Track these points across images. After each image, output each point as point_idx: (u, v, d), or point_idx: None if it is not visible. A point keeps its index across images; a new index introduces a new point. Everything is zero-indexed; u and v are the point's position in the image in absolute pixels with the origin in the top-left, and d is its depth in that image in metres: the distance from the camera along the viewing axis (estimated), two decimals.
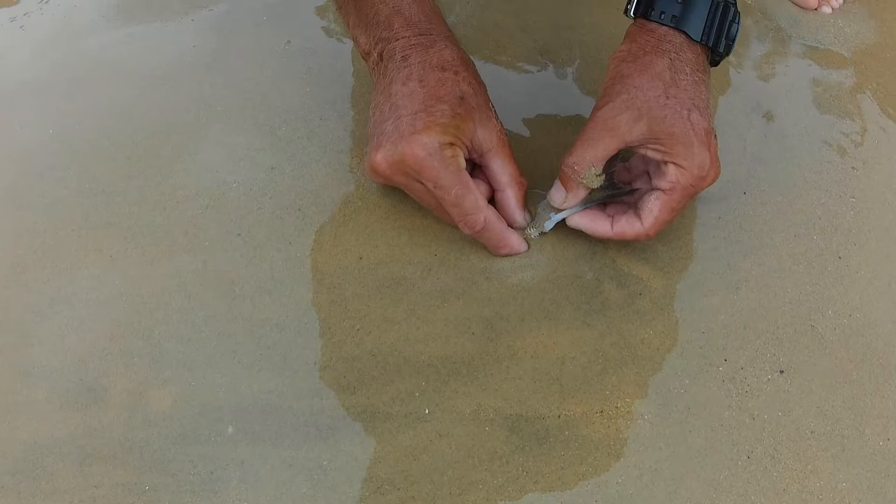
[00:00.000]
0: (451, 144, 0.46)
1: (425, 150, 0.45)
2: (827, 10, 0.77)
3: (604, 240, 0.52)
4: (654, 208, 0.48)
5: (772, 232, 0.55)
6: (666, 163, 0.47)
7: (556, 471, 0.45)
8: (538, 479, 0.45)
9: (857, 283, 0.54)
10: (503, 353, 0.48)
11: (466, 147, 0.48)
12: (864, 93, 0.67)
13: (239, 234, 0.54)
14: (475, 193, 0.47)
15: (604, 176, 0.49)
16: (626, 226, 0.49)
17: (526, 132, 0.60)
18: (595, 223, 0.50)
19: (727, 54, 0.51)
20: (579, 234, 0.52)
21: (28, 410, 0.48)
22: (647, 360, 0.49)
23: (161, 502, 0.45)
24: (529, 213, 0.52)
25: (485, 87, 0.50)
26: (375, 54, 0.50)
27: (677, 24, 0.48)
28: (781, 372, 0.50)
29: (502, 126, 0.50)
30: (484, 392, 0.47)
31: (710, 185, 0.48)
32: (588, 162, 0.48)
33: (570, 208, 0.51)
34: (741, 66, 0.67)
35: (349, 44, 0.66)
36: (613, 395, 0.48)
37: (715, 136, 0.48)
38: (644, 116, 0.46)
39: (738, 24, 0.50)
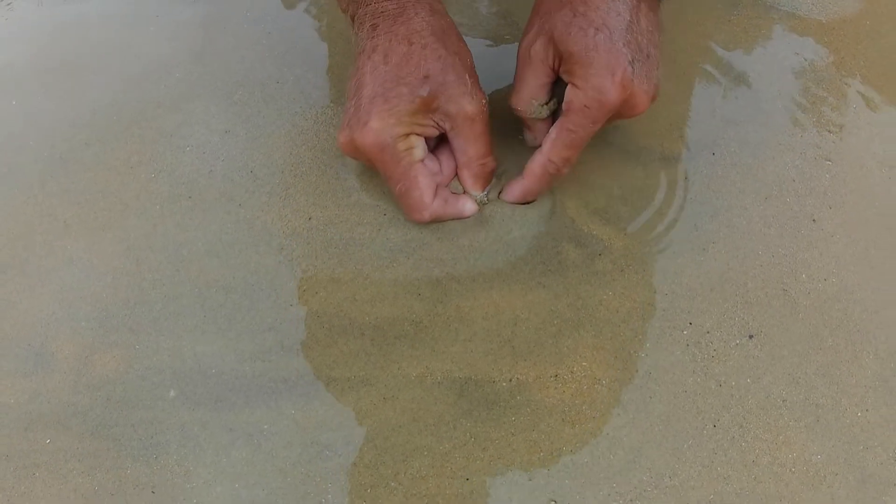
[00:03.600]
0: (406, 136, 0.45)
1: (377, 142, 0.44)
2: None
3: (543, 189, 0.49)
4: (552, 132, 0.46)
5: (741, 193, 0.53)
6: (566, 83, 0.45)
7: (506, 437, 0.43)
8: (487, 445, 0.43)
9: (832, 248, 0.52)
10: (452, 314, 0.46)
11: (432, 126, 0.46)
12: (843, 59, 0.64)
13: (190, 198, 0.53)
14: (420, 190, 0.46)
15: (554, 101, 0.47)
16: (534, 158, 0.47)
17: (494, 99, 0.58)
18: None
19: None
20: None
21: None
22: (606, 323, 0.47)
23: (102, 467, 0.44)
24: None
25: (463, 56, 0.46)
26: (349, 16, 0.48)
27: None
28: (751, 337, 0.48)
29: (480, 98, 0.46)
30: (432, 355, 0.45)
31: (627, 113, 0.45)
32: (527, 98, 0.46)
33: None
34: (717, 30, 0.65)
35: (308, 7, 0.64)
36: (569, 359, 0.46)
37: (637, 58, 0.44)
38: (551, 40, 0.44)
39: None
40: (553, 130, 0.46)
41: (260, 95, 0.57)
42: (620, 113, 0.45)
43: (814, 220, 0.53)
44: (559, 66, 0.45)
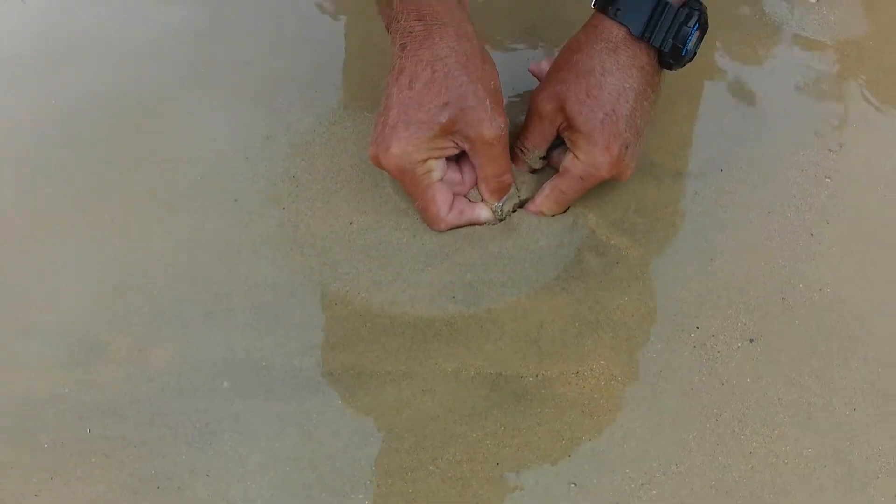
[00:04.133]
0: (425, 160, 0.49)
1: (398, 165, 0.49)
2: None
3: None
4: (546, 187, 0.53)
5: (747, 208, 0.57)
6: (568, 150, 0.51)
7: (533, 427, 0.48)
8: (515, 434, 0.48)
9: (828, 260, 0.57)
10: (484, 315, 0.51)
11: (451, 147, 0.50)
12: (846, 79, 0.69)
13: (235, 200, 0.56)
14: (437, 206, 0.52)
15: (546, 159, 0.53)
16: (528, 206, 0.55)
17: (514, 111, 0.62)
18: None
19: (679, 59, 0.51)
20: None
21: (28, 368, 0.51)
22: (622, 325, 0.51)
23: (158, 454, 0.48)
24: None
25: (486, 80, 0.49)
26: (385, 25, 0.52)
27: (621, 18, 0.49)
28: (751, 341, 0.53)
29: (500, 122, 0.49)
30: (466, 352, 0.50)
31: (614, 178, 0.52)
32: (531, 146, 0.52)
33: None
34: (727, 50, 0.69)
35: (347, 19, 0.68)
36: (589, 358, 0.50)
37: (631, 141, 0.51)
38: (564, 109, 0.50)
39: (694, 29, 0.50)
40: (546, 187, 0.53)
41: (299, 103, 0.61)
42: (596, 179, 0.52)
43: (812, 234, 0.57)
44: (564, 130, 0.51)
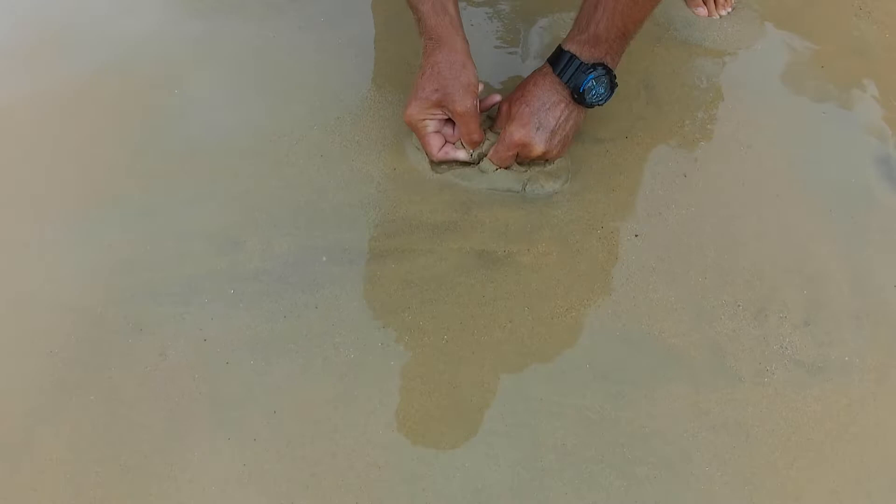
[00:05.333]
0: (423, 119, 0.84)
1: (409, 121, 0.85)
2: (715, 16, 1.12)
3: None
4: (494, 147, 0.87)
5: (642, 161, 0.92)
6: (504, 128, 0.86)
7: (502, 277, 0.82)
8: (492, 280, 0.82)
9: (694, 190, 0.91)
10: (474, 219, 0.86)
11: (441, 115, 0.84)
12: (734, 76, 1.02)
13: (321, 155, 0.92)
14: (430, 146, 0.86)
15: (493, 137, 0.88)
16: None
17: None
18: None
19: (581, 97, 0.82)
20: None
21: (191, 257, 0.85)
22: (556, 226, 0.86)
23: (283, 299, 0.82)
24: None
25: (464, 78, 0.80)
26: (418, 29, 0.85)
27: (551, 62, 0.84)
28: (636, 235, 0.87)
29: (469, 101, 0.81)
30: (463, 238, 0.85)
31: (527, 153, 0.85)
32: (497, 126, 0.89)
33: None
34: (643, 59, 1.03)
35: (388, 43, 1.03)
36: (536, 242, 0.85)
37: (545, 129, 0.83)
38: (510, 103, 0.86)
39: (589, 78, 0.80)
40: (493, 147, 0.87)
41: (357, 94, 0.96)
42: (526, 153, 0.85)
43: (685, 176, 0.91)
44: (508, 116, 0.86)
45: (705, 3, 1.12)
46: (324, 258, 0.85)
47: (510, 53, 1.03)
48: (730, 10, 1.12)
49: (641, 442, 0.74)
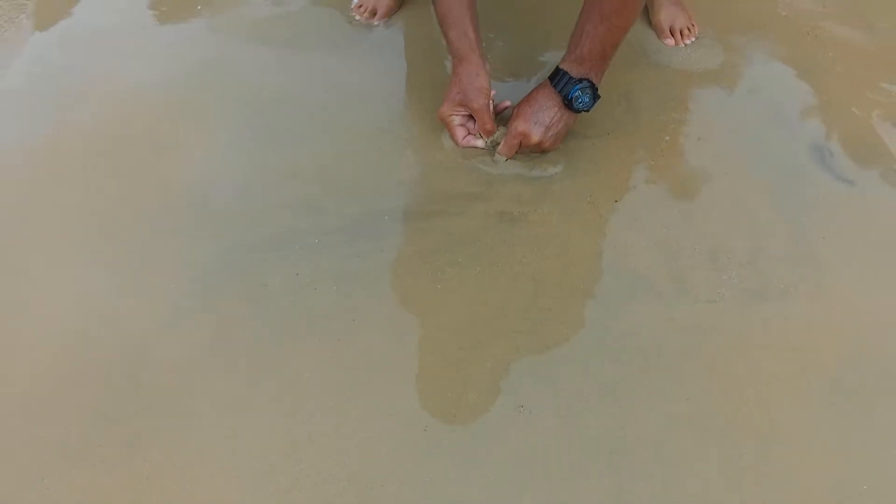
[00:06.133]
0: (451, 114, 1.15)
1: (441, 117, 1.16)
2: (681, 44, 1.42)
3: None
4: (504, 139, 1.17)
5: (620, 152, 1.21)
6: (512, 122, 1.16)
7: (518, 230, 1.10)
8: (511, 233, 1.10)
9: (662, 169, 1.19)
10: (493, 192, 1.15)
11: (464, 111, 1.16)
12: (696, 90, 1.32)
13: (379, 149, 1.21)
14: (456, 135, 1.17)
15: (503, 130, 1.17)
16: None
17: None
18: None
19: (570, 104, 1.10)
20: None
21: (285, 219, 1.14)
22: (555, 195, 1.14)
23: (356, 245, 1.10)
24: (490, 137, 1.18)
25: (478, 84, 1.12)
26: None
27: (549, 76, 1.14)
28: (615, 201, 1.15)
29: (483, 101, 1.13)
30: (485, 203, 1.13)
31: (528, 143, 1.14)
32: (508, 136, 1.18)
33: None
34: (623, 76, 1.33)
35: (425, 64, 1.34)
36: (540, 206, 1.13)
37: (543, 126, 1.12)
38: (517, 112, 1.15)
39: (575, 89, 1.09)
40: (503, 140, 1.16)
41: (401, 102, 1.26)
42: (526, 142, 1.14)
43: (653, 161, 1.20)
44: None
45: (672, 35, 1.42)
46: (385, 217, 1.13)
47: (525, 81, 1.34)
48: (693, 39, 1.42)
49: (622, 339, 1.00)
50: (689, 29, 1.42)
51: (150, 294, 1.04)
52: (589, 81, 1.12)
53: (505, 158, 1.17)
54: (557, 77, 1.13)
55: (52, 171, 1.19)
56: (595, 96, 1.13)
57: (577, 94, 1.11)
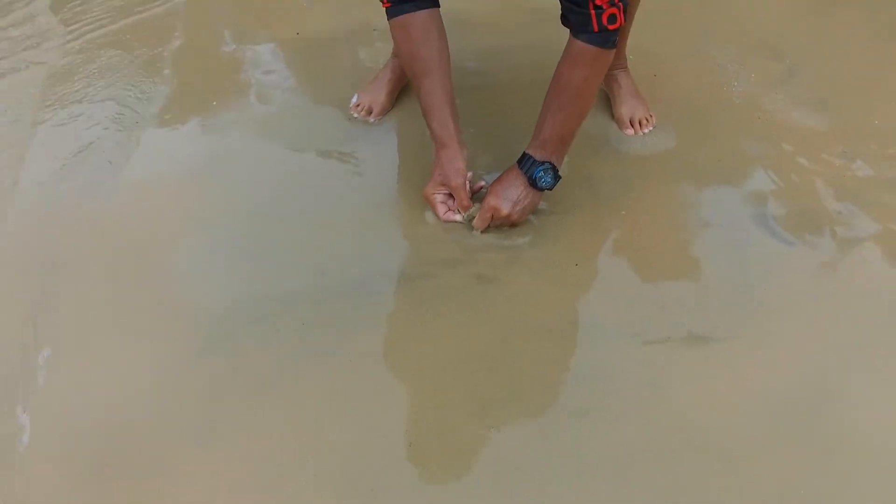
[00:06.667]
0: (433, 193, 1.35)
1: (426, 194, 1.36)
2: (640, 133, 1.62)
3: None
4: (479, 214, 1.35)
5: (582, 224, 1.39)
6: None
7: (498, 290, 1.27)
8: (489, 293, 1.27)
9: (622, 236, 1.37)
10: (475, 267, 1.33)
11: (444, 190, 1.35)
12: (652, 171, 1.51)
13: (377, 223, 1.40)
14: (438, 211, 1.36)
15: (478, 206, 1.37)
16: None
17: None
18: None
19: (534, 183, 1.30)
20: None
21: (291, 279, 1.32)
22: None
23: (353, 299, 1.27)
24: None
25: (455, 167, 1.31)
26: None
27: (518, 161, 1.34)
28: (617, 229, 1.32)
29: (460, 182, 1.32)
30: (466, 268, 1.31)
31: (500, 217, 1.33)
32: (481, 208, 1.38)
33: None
34: (584, 163, 1.53)
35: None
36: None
37: (511, 202, 1.31)
38: (490, 190, 1.36)
39: (539, 170, 1.28)
40: (478, 214, 1.35)
41: (395, 177, 1.47)
42: (497, 216, 1.32)
43: (617, 229, 1.38)
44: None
45: (632, 125, 1.62)
46: (379, 278, 1.31)
47: (497, 164, 1.55)
48: (651, 128, 1.63)
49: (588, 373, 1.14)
50: (647, 119, 1.62)
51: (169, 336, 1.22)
52: (551, 164, 1.32)
53: (480, 231, 1.35)
54: (523, 160, 1.33)
55: (65, 261, 1.35)
56: (556, 176, 1.33)
57: (539, 174, 1.31)
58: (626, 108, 1.62)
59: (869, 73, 1.79)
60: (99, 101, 1.64)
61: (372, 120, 1.61)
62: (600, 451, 1.06)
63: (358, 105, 1.62)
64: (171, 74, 1.72)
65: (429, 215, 1.41)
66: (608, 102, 1.65)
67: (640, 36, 1.64)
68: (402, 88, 1.64)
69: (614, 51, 1.26)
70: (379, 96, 1.61)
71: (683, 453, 1.05)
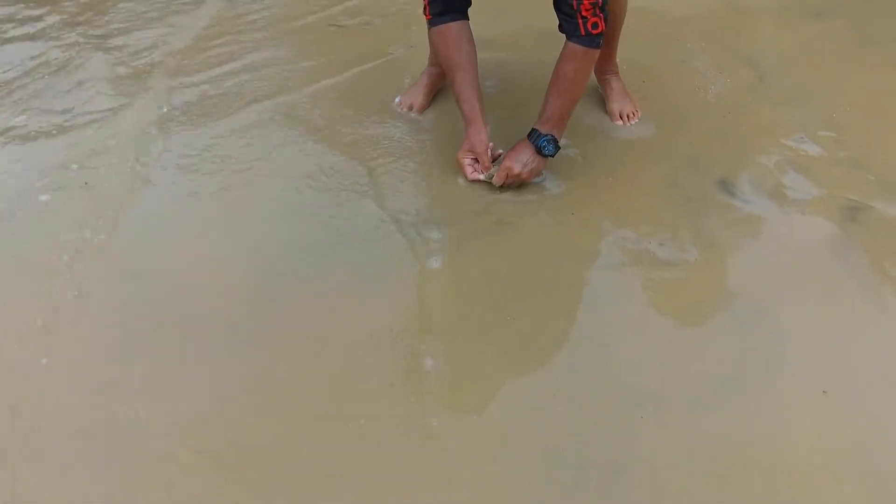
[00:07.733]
0: (462, 158, 1.76)
1: (458, 158, 1.77)
2: (628, 124, 2.01)
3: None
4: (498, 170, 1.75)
5: (580, 188, 1.77)
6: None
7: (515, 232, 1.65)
8: (507, 235, 1.65)
9: (611, 195, 1.74)
10: (499, 219, 1.71)
11: (471, 155, 1.75)
12: (635, 152, 1.89)
13: (425, 184, 1.80)
14: (467, 171, 1.76)
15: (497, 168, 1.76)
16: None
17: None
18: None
19: (540, 152, 1.70)
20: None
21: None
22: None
23: (391, 235, 1.66)
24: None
25: (480, 137, 1.72)
26: None
27: (527, 133, 1.75)
28: (605, 191, 1.69)
29: (485, 149, 1.73)
30: (489, 215, 1.69)
31: (514, 175, 1.72)
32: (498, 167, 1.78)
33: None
34: (581, 146, 1.91)
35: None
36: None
37: (523, 164, 1.71)
38: (507, 155, 1.76)
39: (543, 140, 1.69)
40: (496, 174, 1.75)
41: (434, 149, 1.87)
42: (511, 174, 1.72)
43: (605, 191, 1.76)
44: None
45: (621, 118, 2.01)
46: (422, 223, 1.69)
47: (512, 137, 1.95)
48: (637, 120, 2.02)
49: (597, 321, 1.51)
50: (633, 113, 2.02)
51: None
52: (553, 136, 1.72)
53: (498, 185, 1.75)
54: (531, 134, 1.73)
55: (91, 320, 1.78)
56: (557, 147, 1.73)
57: (544, 143, 1.71)
58: (616, 104, 2.02)
59: (832, 78, 2.18)
60: None
61: (413, 115, 2.02)
62: (587, 327, 1.42)
63: (401, 103, 2.04)
64: None
65: (459, 178, 1.80)
66: (603, 101, 2.05)
67: (632, 50, 2.05)
68: (437, 92, 2.06)
69: (599, 51, 1.67)
70: (417, 97, 2.03)
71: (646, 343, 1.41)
